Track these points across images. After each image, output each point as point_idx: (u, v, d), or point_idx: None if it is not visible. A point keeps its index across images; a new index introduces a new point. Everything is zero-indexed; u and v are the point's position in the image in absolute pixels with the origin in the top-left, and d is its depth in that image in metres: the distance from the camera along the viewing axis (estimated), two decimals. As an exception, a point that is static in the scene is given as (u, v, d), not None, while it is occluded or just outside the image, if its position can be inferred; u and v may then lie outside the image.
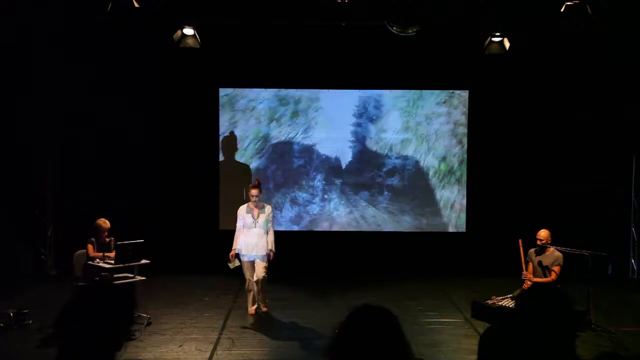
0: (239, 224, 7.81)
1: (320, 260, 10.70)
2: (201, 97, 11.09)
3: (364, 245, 11.06)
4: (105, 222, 7.74)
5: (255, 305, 7.99)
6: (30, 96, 9.88)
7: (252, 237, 7.71)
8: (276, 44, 10.43)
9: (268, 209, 7.89)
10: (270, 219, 7.88)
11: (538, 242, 7.66)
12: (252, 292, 7.94)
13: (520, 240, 7.73)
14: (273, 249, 7.82)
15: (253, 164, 11.29)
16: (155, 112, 10.84)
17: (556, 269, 7.53)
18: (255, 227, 7.72)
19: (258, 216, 7.75)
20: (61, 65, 10.02)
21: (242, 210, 7.82)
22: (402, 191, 11.33)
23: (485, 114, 11.09)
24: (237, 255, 7.79)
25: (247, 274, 7.82)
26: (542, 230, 7.71)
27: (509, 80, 10.83)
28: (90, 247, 7.69)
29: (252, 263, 7.80)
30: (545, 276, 7.48)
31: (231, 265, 7.81)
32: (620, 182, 10.95)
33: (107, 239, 7.71)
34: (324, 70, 10.93)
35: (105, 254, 7.54)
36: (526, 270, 7.73)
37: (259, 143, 11.29)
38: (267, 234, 7.79)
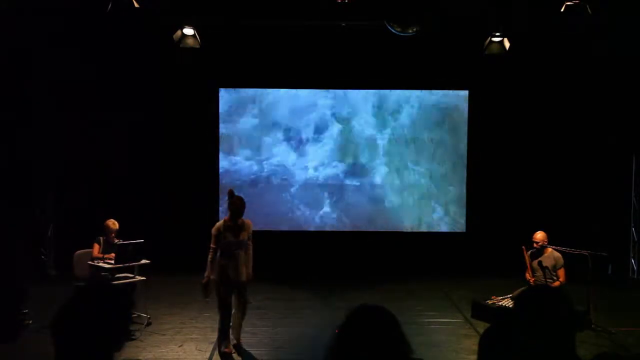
0: (214, 246, 6.43)
1: (320, 261, 10.71)
2: (201, 97, 11.10)
3: (364, 245, 11.06)
4: (114, 224, 7.77)
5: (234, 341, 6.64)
6: (30, 96, 9.88)
7: (237, 260, 6.41)
8: (276, 44, 10.44)
9: (248, 224, 6.53)
10: (251, 236, 6.57)
11: (535, 245, 7.65)
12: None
13: (523, 247, 7.73)
14: (251, 271, 6.60)
15: (253, 163, 11.29)
16: (156, 112, 10.85)
17: (561, 272, 7.53)
18: (240, 248, 6.45)
19: (240, 234, 6.45)
20: (61, 65, 10.01)
21: (221, 228, 6.42)
22: (402, 191, 11.33)
23: (485, 114, 11.10)
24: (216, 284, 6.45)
25: (234, 306, 6.58)
26: (538, 232, 7.71)
27: (509, 80, 10.84)
28: (96, 246, 7.69)
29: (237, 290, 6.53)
30: (545, 276, 7.45)
31: (209, 299, 6.58)
32: (620, 182, 10.95)
33: (116, 240, 7.71)
34: (323, 70, 10.93)
35: (105, 256, 7.54)
36: (526, 272, 7.72)
37: (259, 142, 11.29)
38: (246, 254, 6.54)
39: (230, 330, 6.59)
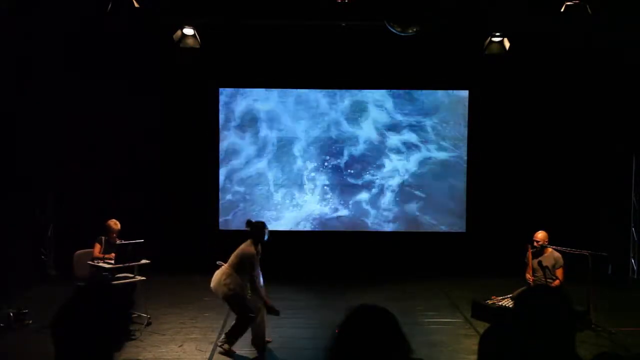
0: (255, 272, 6.70)
1: (320, 260, 10.71)
2: (201, 97, 11.10)
3: (364, 245, 11.06)
4: (116, 224, 7.78)
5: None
6: (31, 95, 9.88)
7: (258, 278, 6.85)
8: (276, 44, 10.44)
9: (260, 246, 6.87)
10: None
11: (535, 244, 7.66)
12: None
13: (528, 246, 7.73)
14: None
15: (253, 164, 11.29)
16: (156, 112, 10.84)
17: (559, 272, 7.54)
18: (259, 268, 6.87)
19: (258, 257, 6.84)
20: (61, 65, 10.01)
21: (255, 254, 6.68)
22: (401, 191, 11.32)
23: (485, 114, 11.10)
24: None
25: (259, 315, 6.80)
26: (539, 231, 7.72)
27: (509, 80, 10.84)
28: (97, 246, 7.69)
29: None
30: (546, 276, 7.46)
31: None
32: (620, 182, 10.95)
33: (117, 240, 7.71)
34: (323, 70, 10.93)
35: (105, 256, 7.54)
36: (526, 271, 7.72)
37: (258, 143, 11.28)
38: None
39: (256, 335, 6.73)
